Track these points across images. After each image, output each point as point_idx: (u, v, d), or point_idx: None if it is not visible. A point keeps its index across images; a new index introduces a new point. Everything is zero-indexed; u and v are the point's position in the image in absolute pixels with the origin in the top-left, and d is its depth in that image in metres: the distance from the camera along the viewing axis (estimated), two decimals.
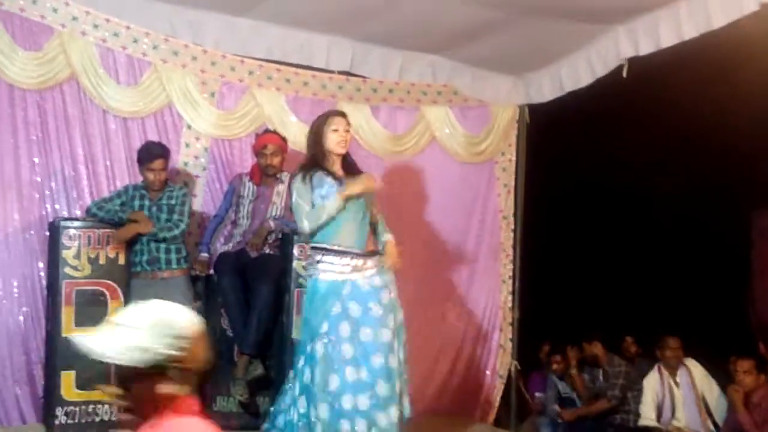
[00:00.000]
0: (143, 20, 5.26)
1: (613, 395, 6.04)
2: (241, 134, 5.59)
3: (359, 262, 4.01)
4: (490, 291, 6.44)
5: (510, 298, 6.50)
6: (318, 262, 4.03)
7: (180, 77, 5.36)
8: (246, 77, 5.58)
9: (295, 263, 4.87)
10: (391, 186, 5.61)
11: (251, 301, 4.79)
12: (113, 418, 4.57)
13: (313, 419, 3.90)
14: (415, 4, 5.14)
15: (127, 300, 4.63)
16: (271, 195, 5.10)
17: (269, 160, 5.05)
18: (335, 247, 4.01)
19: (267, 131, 5.24)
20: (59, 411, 4.53)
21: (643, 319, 6.97)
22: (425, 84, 6.18)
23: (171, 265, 4.79)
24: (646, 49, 5.18)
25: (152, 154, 4.78)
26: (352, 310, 3.94)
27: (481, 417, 6.28)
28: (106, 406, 4.59)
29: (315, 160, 4.13)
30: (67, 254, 4.58)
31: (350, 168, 4.21)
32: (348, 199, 4.01)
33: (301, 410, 3.94)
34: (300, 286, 4.79)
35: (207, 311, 4.85)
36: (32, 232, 4.95)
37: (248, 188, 5.11)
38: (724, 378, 5.57)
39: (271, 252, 5.01)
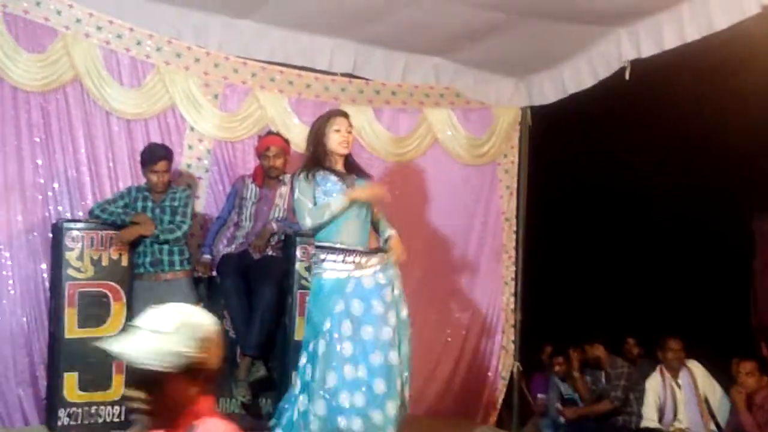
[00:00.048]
0: (146, 22, 5.27)
1: (615, 397, 6.02)
2: (243, 136, 5.59)
3: (362, 259, 4.01)
4: (493, 293, 6.44)
5: (512, 299, 6.50)
6: (322, 260, 4.03)
7: (183, 79, 5.37)
8: (249, 79, 5.59)
9: (297, 265, 4.88)
10: (394, 188, 5.64)
11: (254, 302, 4.80)
12: (116, 420, 4.59)
13: (311, 416, 3.90)
14: (418, 7, 5.14)
15: (130, 302, 4.65)
16: (273, 197, 5.10)
17: (272, 162, 5.05)
18: (338, 246, 4.00)
19: (270, 133, 5.25)
20: (62, 412, 4.52)
21: (645, 320, 6.98)
22: (428, 86, 6.18)
23: (174, 266, 4.78)
24: (648, 51, 5.18)
25: (155, 155, 4.78)
26: (354, 307, 3.93)
27: (483, 418, 6.28)
28: (109, 408, 4.60)
29: (317, 159, 4.11)
30: (70, 256, 4.58)
31: (353, 169, 4.20)
32: (354, 201, 4.01)
33: (301, 408, 3.93)
34: (302, 287, 4.80)
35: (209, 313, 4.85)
36: (35, 233, 4.95)
37: (251, 190, 5.11)
38: (726, 380, 5.57)
39: (274, 254, 5.02)
